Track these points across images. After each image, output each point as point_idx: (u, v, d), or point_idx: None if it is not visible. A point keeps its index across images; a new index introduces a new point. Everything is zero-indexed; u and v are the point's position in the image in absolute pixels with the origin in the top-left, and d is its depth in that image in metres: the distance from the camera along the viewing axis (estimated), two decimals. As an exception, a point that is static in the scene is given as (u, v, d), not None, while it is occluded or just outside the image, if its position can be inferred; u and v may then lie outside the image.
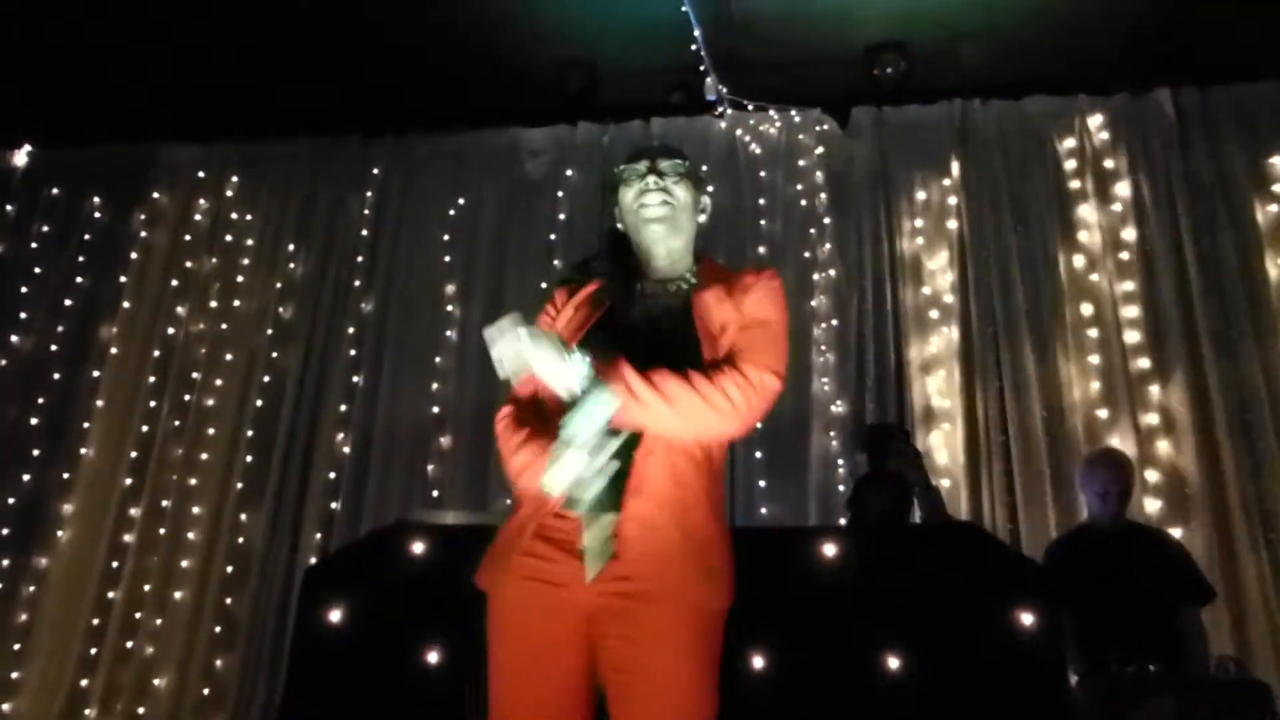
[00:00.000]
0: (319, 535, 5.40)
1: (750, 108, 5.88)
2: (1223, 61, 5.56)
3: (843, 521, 4.75)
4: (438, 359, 5.73)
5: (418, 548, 3.21)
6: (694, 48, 5.25)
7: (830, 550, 3.07)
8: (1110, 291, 5.39)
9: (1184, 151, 5.56)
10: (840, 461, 5.18)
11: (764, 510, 5.14)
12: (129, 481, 5.64)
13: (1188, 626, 3.95)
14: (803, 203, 5.79)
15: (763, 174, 5.89)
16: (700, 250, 2.27)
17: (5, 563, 5.59)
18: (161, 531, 5.50)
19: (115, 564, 5.48)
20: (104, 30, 5.42)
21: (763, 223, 5.77)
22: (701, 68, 5.43)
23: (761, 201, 5.83)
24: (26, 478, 5.74)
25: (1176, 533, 4.66)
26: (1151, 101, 5.69)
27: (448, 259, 5.97)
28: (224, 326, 5.95)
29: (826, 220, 5.74)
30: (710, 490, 1.98)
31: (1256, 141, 5.54)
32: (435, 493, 5.42)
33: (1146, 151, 5.60)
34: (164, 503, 5.57)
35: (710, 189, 2.27)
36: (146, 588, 5.42)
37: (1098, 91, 5.78)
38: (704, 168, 5.87)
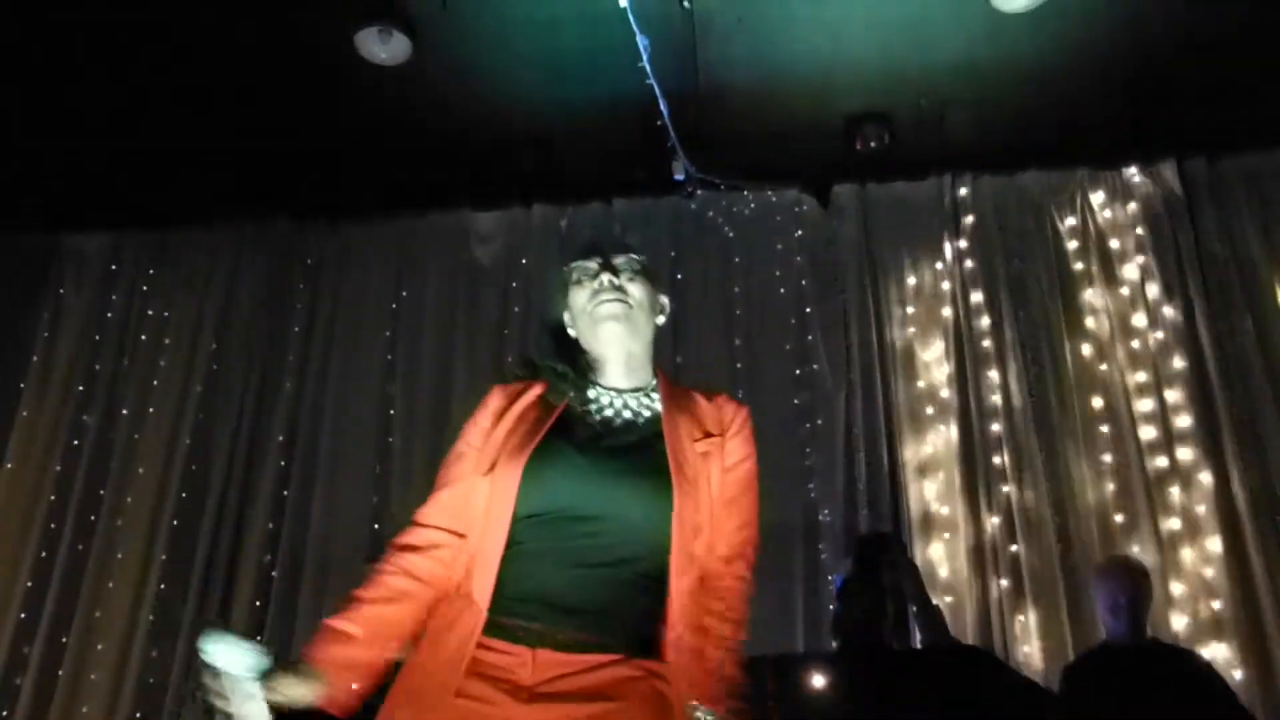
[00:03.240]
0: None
1: (722, 187, 5.89)
2: (1231, 128, 5.64)
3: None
4: (378, 469, 5.68)
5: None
6: (659, 122, 5.25)
7: (819, 681, 3.06)
8: (1122, 382, 5.45)
9: (1194, 227, 5.65)
10: (831, 577, 5.11)
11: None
12: (23, 615, 5.48)
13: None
14: (782, 290, 5.85)
15: (737, 259, 5.94)
16: (655, 363, 2.24)
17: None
18: (60, 673, 5.35)
19: (4, 712, 5.31)
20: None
21: (738, 312, 5.81)
22: (668, 144, 5.42)
23: (736, 289, 5.87)
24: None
25: (1206, 652, 4.64)
26: (1157, 174, 5.79)
27: (389, 357, 5.95)
28: (136, 436, 5.85)
29: (808, 309, 5.78)
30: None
31: (1271, 213, 5.63)
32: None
33: (1154, 228, 5.68)
34: (64, 639, 5.41)
35: (665, 298, 2.27)
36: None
37: (1099, 163, 5.86)
38: (672, 253, 5.95)
